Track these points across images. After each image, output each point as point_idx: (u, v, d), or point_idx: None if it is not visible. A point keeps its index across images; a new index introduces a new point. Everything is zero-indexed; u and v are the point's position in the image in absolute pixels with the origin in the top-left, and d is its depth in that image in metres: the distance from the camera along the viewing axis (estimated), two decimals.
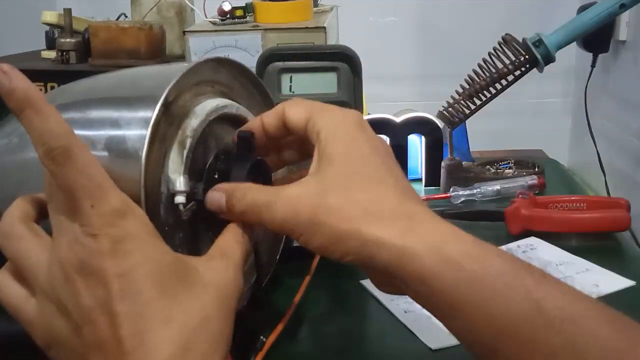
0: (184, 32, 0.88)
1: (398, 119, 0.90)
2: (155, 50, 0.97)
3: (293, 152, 0.48)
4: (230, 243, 0.40)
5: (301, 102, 0.44)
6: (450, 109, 0.82)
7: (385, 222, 0.37)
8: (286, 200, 0.39)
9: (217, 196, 0.42)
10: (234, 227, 0.41)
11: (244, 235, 0.41)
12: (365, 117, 0.83)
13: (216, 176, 0.46)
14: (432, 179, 0.90)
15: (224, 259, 0.39)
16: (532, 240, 0.72)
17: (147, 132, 0.48)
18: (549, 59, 0.79)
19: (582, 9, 0.90)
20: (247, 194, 0.41)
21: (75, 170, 0.33)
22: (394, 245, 0.36)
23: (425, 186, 0.92)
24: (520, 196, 0.75)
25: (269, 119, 0.45)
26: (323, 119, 0.42)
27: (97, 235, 0.33)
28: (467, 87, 0.81)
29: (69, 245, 0.34)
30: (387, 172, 0.40)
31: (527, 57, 0.79)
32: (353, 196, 0.38)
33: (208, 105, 0.55)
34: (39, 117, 0.33)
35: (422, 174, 0.92)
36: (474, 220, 0.77)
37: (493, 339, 0.34)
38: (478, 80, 0.80)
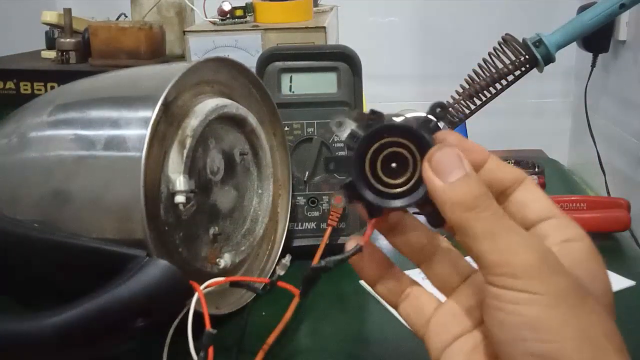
0: (184, 32, 0.88)
1: (398, 119, 0.90)
2: (155, 50, 0.97)
3: None
4: None
5: (538, 190, 0.34)
6: (450, 109, 0.82)
7: None
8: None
9: (450, 158, 0.32)
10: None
11: None
12: None
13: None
14: None
15: None
16: None
17: (147, 132, 0.48)
18: (549, 59, 0.79)
19: (582, 9, 0.90)
20: (488, 200, 0.31)
21: None
22: None
23: None
24: None
25: (498, 172, 0.34)
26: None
27: None
28: (467, 87, 0.81)
29: None
30: None
31: (527, 57, 0.79)
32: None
33: (208, 105, 0.55)
34: None
35: None
36: None
37: None
38: (478, 80, 0.80)
